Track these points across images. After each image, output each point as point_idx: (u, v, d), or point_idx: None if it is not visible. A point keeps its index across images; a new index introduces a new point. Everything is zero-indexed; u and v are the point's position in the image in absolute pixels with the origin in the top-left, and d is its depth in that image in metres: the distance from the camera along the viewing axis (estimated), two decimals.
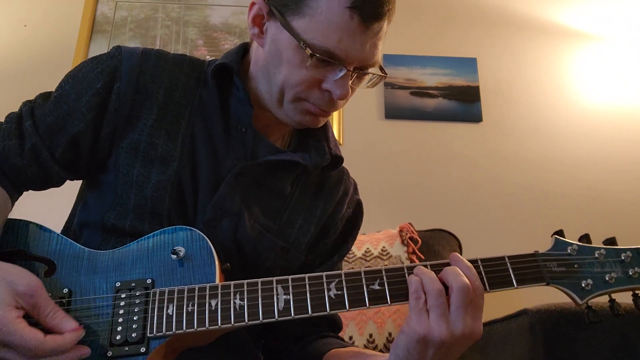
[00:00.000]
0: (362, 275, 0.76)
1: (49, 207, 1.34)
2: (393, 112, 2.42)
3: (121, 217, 0.87)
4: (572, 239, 0.81)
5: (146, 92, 0.90)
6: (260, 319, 0.73)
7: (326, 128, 1.02)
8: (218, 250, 0.81)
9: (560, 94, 2.49)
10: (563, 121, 2.45)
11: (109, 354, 0.72)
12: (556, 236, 0.81)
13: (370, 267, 1.74)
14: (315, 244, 1.01)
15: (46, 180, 0.91)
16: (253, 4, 0.89)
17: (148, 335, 0.73)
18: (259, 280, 0.76)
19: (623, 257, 0.78)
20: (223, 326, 0.73)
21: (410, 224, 1.90)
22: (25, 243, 0.82)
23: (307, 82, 0.86)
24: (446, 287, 0.72)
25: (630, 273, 0.77)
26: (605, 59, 2.53)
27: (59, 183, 0.93)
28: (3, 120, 0.91)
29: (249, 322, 0.73)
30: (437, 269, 0.75)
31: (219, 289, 0.75)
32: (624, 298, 0.80)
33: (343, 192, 1.05)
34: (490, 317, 1.45)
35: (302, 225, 0.97)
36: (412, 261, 1.76)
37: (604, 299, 0.79)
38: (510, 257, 0.78)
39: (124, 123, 0.89)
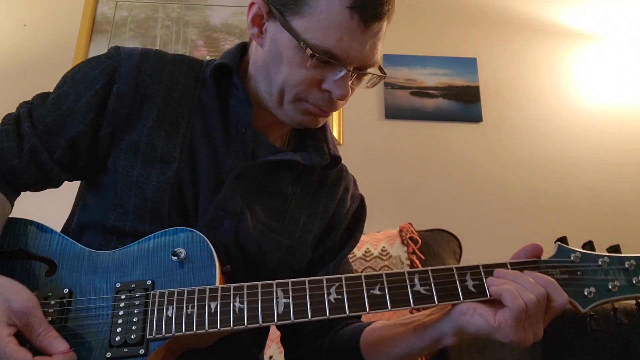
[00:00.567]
0: (363, 279, 0.76)
1: (48, 207, 1.33)
2: (393, 112, 2.41)
3: (121, 219, 0.87)
4: (571, 239, 0.80)
5: (145, 93, 0.90)
6: (260, 322, 0.73)
7: (325, 129, 1.02)
8: (220, 251, 0.81)
9: (560, 94, 2.49)
10: (563, 121, 2.45)
11: (108, 355, 0.72)
12: (559, 243, 0.80)
13: (370, 267, 1.76)
14: (322, 240, 1.01)
15: (45, 182, 0.90)
16: (252, 3, 0.89)
17: (147, 336, 0.73)
18: (259, 283, 0.75)
19: (627, 265, 0.77)
20: (222, 329, 0.73)
21: (410, 224, 1.89)
22: (26, 242, 0.82)
23: (307, 82, 0.85)
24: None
25: (634, 281, 0.76)
26: (605, 59, 2.53)
27: (57, 184, 0.93)
28: (0, 122, 0.90)
29: (249, 325, 0.73)
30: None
31: (219, 292, 0.75)
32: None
33: (344, 188, 1.05)
34: None
35: (306, 222, 0.97)
36: (412, 261, 1.76)
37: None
38: (512, 264, 0.78)
39: (123, 124, 0.89)
